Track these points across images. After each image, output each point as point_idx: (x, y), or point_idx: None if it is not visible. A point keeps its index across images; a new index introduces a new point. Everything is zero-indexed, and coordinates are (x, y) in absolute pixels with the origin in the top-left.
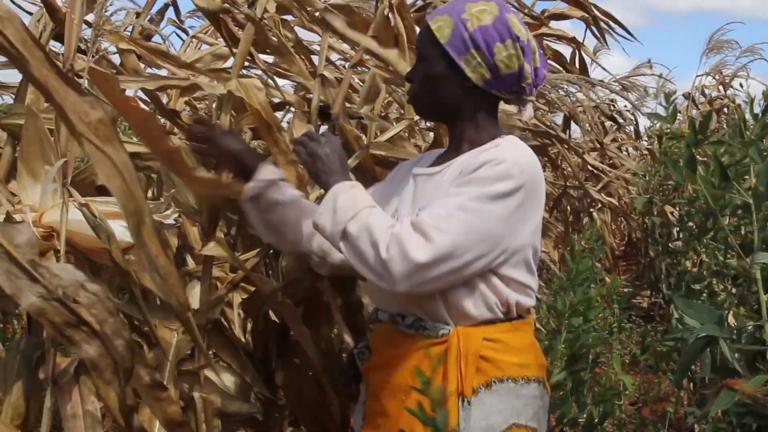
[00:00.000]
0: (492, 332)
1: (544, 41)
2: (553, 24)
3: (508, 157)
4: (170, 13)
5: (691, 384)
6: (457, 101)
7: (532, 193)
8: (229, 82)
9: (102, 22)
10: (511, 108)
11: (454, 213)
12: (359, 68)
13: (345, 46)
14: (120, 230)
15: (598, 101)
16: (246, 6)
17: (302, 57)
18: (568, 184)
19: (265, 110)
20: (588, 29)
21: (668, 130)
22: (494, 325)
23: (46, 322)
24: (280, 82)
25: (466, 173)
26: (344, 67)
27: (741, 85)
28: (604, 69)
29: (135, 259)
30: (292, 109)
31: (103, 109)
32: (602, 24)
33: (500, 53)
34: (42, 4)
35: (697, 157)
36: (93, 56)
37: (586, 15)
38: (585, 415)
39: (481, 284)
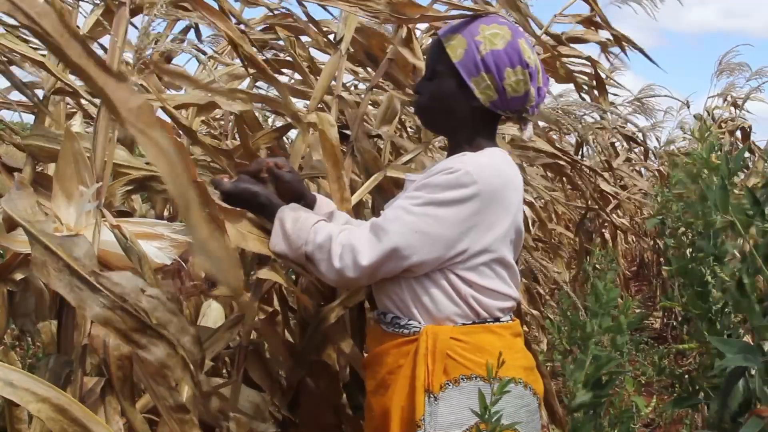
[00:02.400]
0: (460, 332)
1: (559, 62)
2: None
3: (464, 166)
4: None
5: (706, 407)
6: (462, 117)
7: (490, 202)
8: (310, 114)
9: (144, 46)
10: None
11: (402, 216)
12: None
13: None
14: (152, 251)
15: (614, 125)
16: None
17: (316, 77)
18: (588, 205)
19: (336, 146)
20: (602, 53)
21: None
22: (465, 326)
23: (113, 329)
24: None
25: (423, 179)
26: (356, 88)
27: None
28: (622, 87)
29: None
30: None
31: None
32: (621, 45)
33: (509, 78)
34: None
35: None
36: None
37: (604, 39)
38: None
39: (442, 281)
